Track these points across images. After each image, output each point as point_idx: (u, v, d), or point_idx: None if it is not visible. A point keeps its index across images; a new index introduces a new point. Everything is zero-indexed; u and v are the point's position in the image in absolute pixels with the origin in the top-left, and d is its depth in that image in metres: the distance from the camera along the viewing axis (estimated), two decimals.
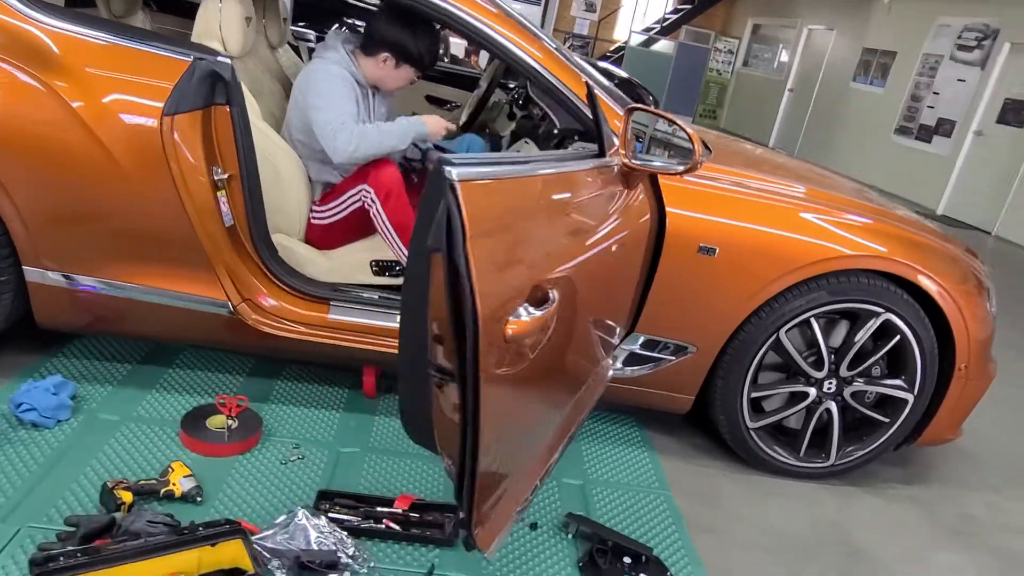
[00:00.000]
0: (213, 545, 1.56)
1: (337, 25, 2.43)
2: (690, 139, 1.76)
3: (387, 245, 2.30)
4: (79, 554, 1.45)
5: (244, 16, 2.25)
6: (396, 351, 2.22)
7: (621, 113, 2.03)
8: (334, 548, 1.71)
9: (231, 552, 1.57)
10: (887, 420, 2.45)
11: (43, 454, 1.89)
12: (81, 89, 1.90)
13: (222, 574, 1.56)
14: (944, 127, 9.18)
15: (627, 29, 13.85)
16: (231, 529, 1.58)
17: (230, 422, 2.09)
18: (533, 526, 1.98)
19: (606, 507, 2.14)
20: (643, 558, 1.92)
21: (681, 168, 1.82)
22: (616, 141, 1.97)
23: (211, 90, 1.99)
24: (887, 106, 10.15)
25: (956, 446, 2.82)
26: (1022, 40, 8.27)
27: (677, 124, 1.80)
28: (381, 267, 2.41)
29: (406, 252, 2.27)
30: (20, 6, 1.90)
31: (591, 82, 1.87)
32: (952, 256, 2.47)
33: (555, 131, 2.37)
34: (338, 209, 2.30)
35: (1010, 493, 2.69)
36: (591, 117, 1.85)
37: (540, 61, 2.12)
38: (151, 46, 1.97)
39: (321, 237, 2.38)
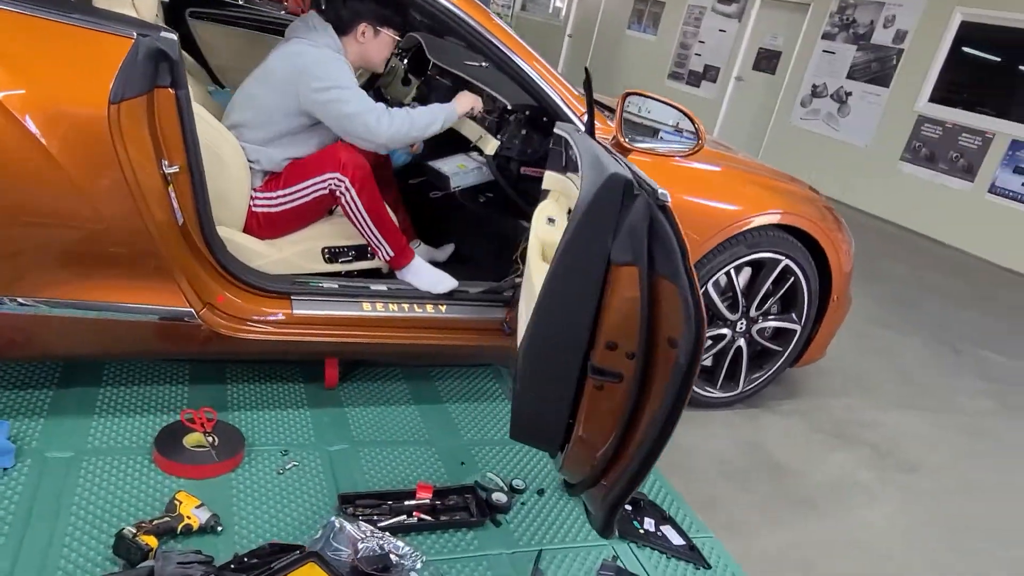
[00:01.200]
0: None
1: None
2: (693, 124, 1.90)
3: (359, 232, 2.19)
4: None
5: None
6: (364, 341, 2.20)
7: None
8: (384, 551, 1.70)
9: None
10: (780, 349, 2.87)
11: (7, 511, 1.62)
12: (3, 73, 1.57)
13: None
14: (710, 73, 10.26)
15: None
16: (302, 555, 1.50)
17: (210, 438, 1.92)
18: (540, 492, 2.09)
19: None
20: (640, 503, 2.12)
21: (688, 150, 1.96)
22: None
23: (155, 71, 1.74)
24: (660, 53, 11.07)
25: (814, 364, 3.37)
26: None
27: (680, 110, 1.93)
28: (333, 253, 2.29)
29: (381, 239, 2.21)
30: None
31: (588, 68, 1.92)
32: (811, 198, 2.89)
33: (508, 107, 2.38)
34: (296, 196, 2.14)
35: (857, 396, 3.29)
36: (585, 100, 1.91)
37: (502, 39, 2.12)
38: (83, 20, 1.67)
39: (264, 226, 2.20)
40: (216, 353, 2.13)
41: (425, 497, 1.91)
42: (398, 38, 2.24)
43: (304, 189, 2.13)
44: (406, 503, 1.88)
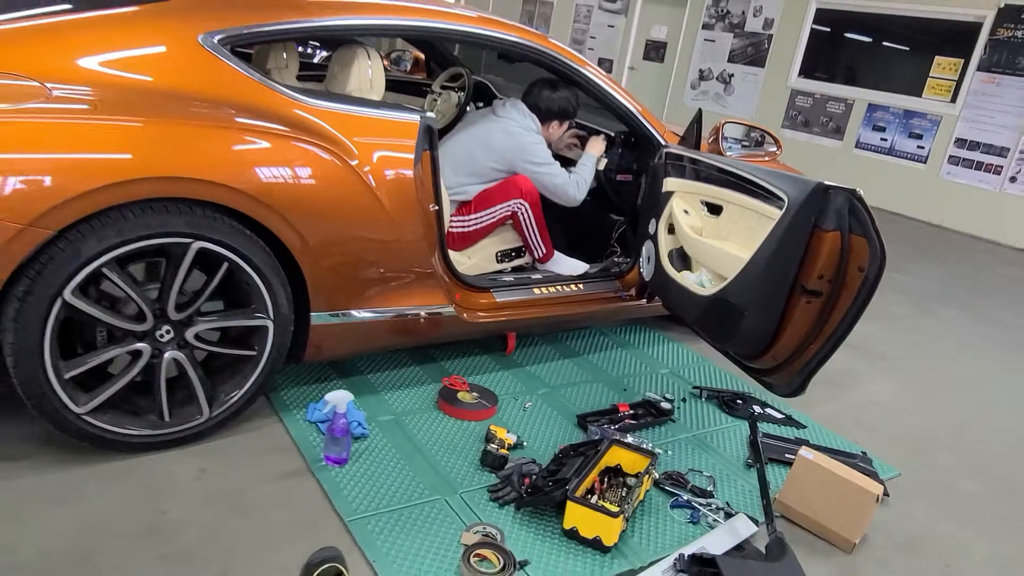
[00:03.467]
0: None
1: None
2: (774, 140, 2.87)
3: (524, 239, 3.02)
4: (550, 483, 2.14)
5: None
6: (538, 316, 3.04)
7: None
8: (632, 441, 2.56)
9: (607, 456, 2.34)
10: None
11: (394, 453, 2.35)
12: (362, 157, 2.29)
13: (607, 469, 2.33)
14: (604, 65, 11.42)
15: None
16: (609, 441, 2.35)
17: (475, 394, 2.70)
18: (684, 400, 3.03)
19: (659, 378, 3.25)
20: (747, 397, 3.10)
21: (765, 154, 2.94)
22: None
23: (424, 139, 2.50)
24: None
25: None
26: None
27: (762, 130, 2.88)
28: (503, 255, 3.10)
29: (540, 242, 3.05)
30: (305, 99, 2.21)
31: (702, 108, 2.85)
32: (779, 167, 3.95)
33: (611, 135, 3.27)
34: (486, 217, 2.93)
35: None
36: (696, 130, 2.85)
37: (613, 89, 3.01)
38: (387, 112, 2.40)
39: (458, 241, 2.98)
40: (448, 336, 2.89)
41: (626, 410, 2.79)
42: (572, 125, 3.10)
43: (494, 212, 2.93)
44: (617, 415, 2.76)
